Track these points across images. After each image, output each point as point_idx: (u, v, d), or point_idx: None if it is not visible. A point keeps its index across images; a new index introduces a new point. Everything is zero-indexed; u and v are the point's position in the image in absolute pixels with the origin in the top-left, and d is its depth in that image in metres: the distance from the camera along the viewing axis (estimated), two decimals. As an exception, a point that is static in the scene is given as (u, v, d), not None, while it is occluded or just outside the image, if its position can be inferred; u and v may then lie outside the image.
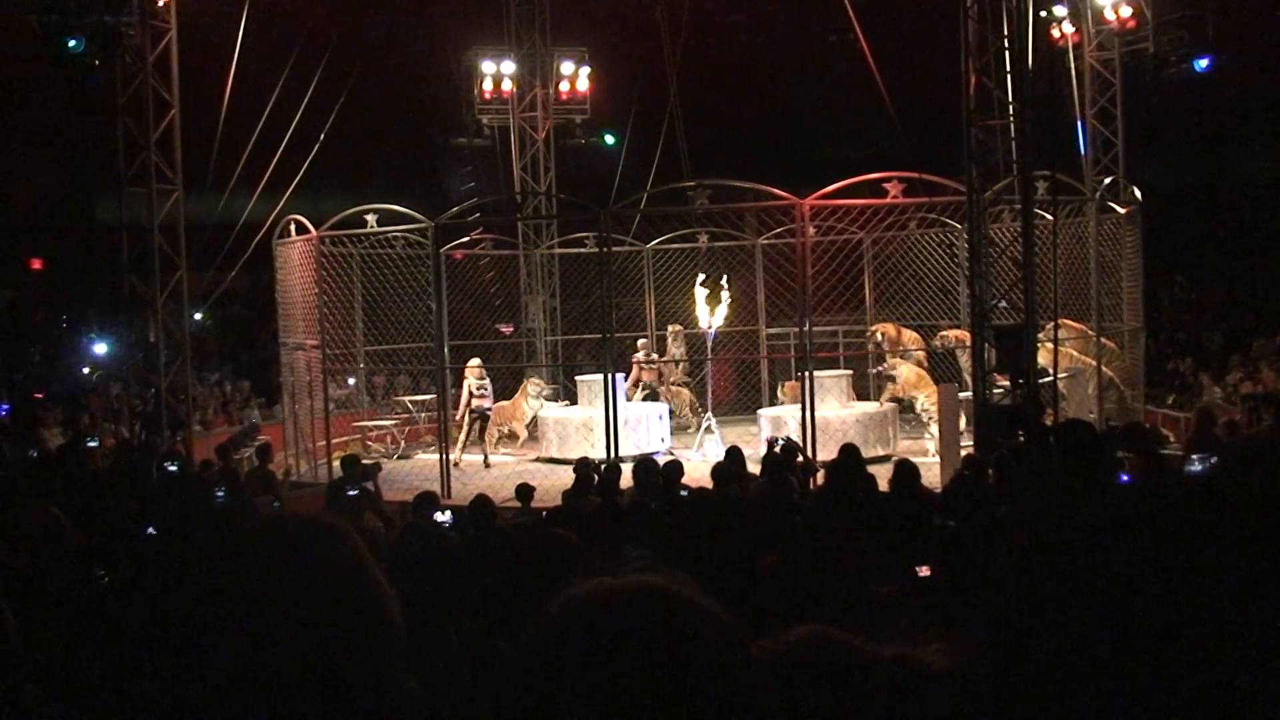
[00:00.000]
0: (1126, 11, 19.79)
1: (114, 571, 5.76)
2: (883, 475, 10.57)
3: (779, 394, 19.63)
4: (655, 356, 20.31)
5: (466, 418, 18.94)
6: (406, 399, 21.88)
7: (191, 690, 1.59)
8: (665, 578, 1.29)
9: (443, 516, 9.91)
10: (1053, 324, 15.21)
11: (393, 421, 21.40)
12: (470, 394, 18.88)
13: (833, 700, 1.52)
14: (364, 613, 1.66)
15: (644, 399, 19.87)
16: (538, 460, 18.61)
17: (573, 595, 1.27)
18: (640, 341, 20.49)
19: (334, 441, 18.55)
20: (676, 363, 20.44)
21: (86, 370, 26.08)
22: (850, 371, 19.15)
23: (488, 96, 24.18)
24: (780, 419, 17.53)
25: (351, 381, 22.07)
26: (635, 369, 20.02)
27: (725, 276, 19.22)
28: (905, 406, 18.98)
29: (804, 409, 15.99)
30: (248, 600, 1.62)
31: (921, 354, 20.12)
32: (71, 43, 16.04)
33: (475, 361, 19.13)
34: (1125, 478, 9.30)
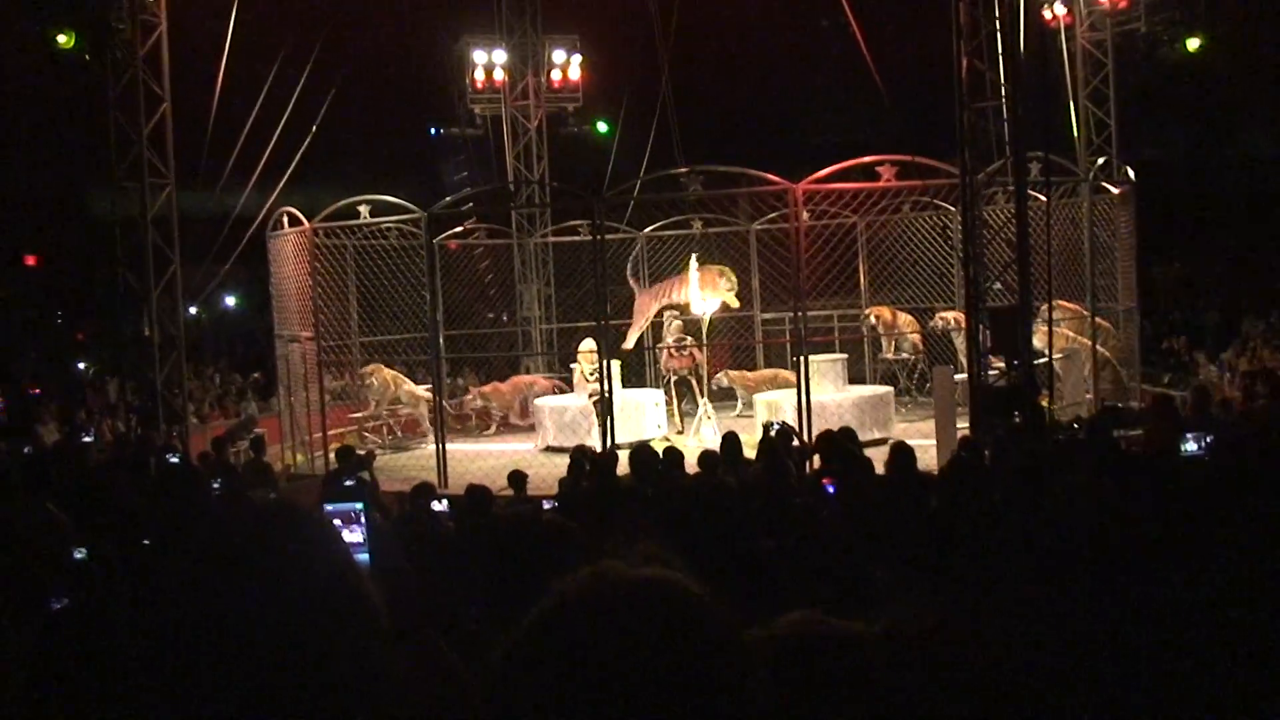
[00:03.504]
0: (1118, -8, 19.80)
1: (108, 566, 5.77)
2: (879, 458, 10.58)
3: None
4: (688, 340, 18.94)
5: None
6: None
7: (179, 680, 1.59)
8: (664, 570, 1.29)
9: (439, 505, 9.91)
10: (1047, 305, 15.23)
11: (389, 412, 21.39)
12: (584, 378, 18.28)
13: (825, 682, 1.52)
14: (340, 595, 1.67)
15: (675, 383, 19.03)
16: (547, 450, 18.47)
17: (569, 586, 1.27)
18: (674, 325, 19.20)
19: (330, 433, 18.53)
20: (683, 347, 19.56)
21: (82, 366, 26.08)
22: (846, 355, 19.11)
23: (479, 86, 24.17)
24: (776, 404, 17.51)
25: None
26: (665, 354, 19.27)
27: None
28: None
29: (800, 393, 15.99)
30: (224, 588, 1.63)
31: (917, 337, 20.15)
32: (61, 38, 16.02)
33: (589, 345, 18.46)
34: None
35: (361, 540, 2.40)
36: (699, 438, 17.45)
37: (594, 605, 1.23)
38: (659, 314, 20.05)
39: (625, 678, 1.15)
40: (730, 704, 1.19)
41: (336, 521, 2.44)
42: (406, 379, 20.78)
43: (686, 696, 1.16)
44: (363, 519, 2.59)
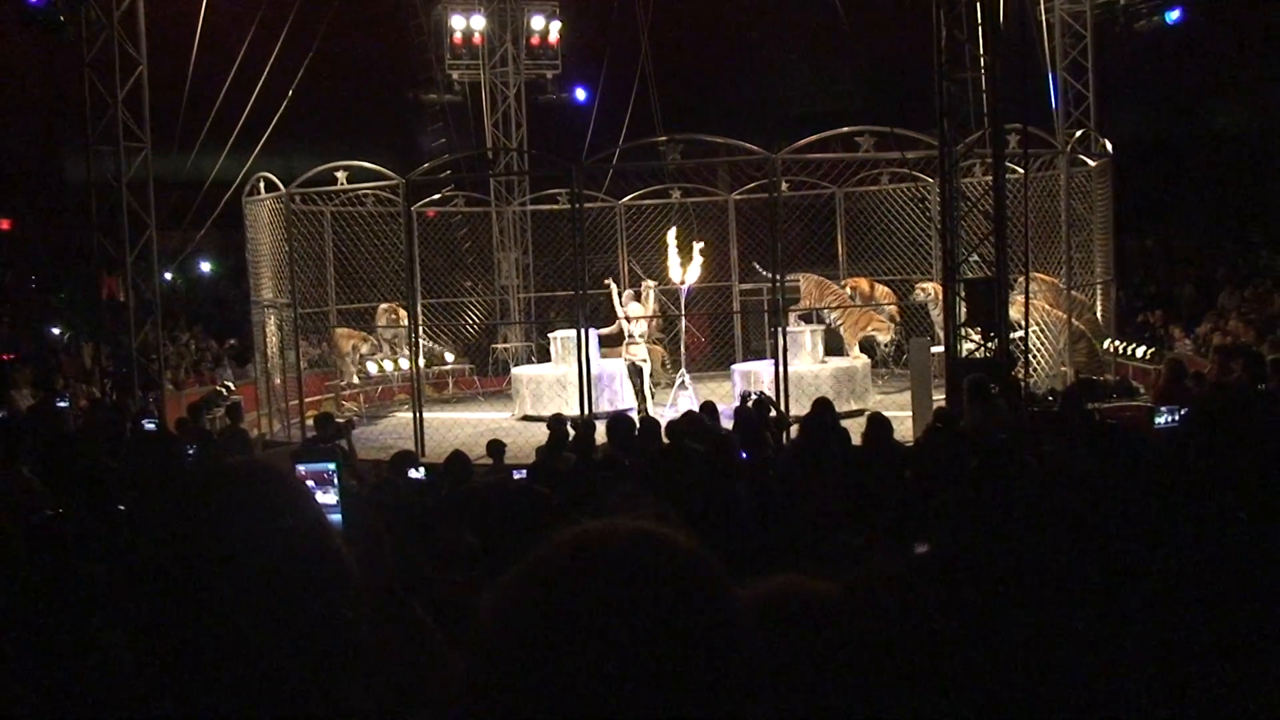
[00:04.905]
0: (1098, -37, 19.78)
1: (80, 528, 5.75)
2: (855, 429, 10.62)
3: None
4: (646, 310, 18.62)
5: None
6: (380, 358, 21.76)
7: (152, 640, 1.60)
8: (663, 524, 1.29)
9: (417, 474, 9.89)
10: (1024, 277, 15.27)
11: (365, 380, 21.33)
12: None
13: (801, 643, 1.53)
14: (313, 554, 1.67)
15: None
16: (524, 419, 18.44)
17: (562, 538, 1.26)
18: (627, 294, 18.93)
19: (307, 400, 18.48)
20: (651, 318, 19.51)
21: (57, 331, 25.92)
22: (823, 326, 19.15)
23: (459, 51, 24.04)
24: (754, 374, 17.54)
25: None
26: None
27: (696, 240, 19.01)
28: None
29: (777, 364, 16.01)
30: (197, 546, 1.63)
31: (894, 308, 20.18)
32: (34, -1, 15.84)
33: (636, 310, 18.39)
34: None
35: (334, 502, 2.39)
36: (676, 407, 17.43)
37: (587, 556, 1.22)
38: (635, 283, 19.98)
39: (619, 629, 1.15)
40: (724, 659, 1.19)
41: (310, 482, 2.43)
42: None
43: (681, 650, 1.16)
44: (336, 480, 2.57)
